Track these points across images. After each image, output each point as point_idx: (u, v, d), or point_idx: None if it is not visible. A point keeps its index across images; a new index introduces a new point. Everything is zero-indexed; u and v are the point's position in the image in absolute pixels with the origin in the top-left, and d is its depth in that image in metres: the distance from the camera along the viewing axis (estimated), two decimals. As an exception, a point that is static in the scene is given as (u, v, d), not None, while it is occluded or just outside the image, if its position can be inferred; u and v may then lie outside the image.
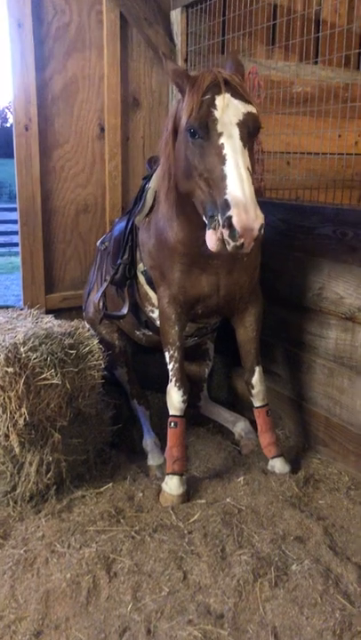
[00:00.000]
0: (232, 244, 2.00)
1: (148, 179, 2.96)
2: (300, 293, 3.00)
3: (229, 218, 1.98)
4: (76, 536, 2.35)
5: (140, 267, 2.92)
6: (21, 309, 3.03)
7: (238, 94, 2.13)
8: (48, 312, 3.55)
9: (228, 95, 2.10)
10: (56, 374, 2.43)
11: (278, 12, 3.94)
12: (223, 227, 2.01)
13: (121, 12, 3.58)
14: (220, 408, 3.43)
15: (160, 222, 2.68)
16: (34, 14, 3.35)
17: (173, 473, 2.64)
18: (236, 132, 2.07)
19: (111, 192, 3.82)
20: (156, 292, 2.85)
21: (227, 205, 2.00)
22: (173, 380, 2.73)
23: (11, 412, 2.37)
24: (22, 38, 3.35)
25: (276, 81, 3.96)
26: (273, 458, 2.84)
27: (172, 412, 2.73)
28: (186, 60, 3.70)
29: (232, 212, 1.98)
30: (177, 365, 2.74)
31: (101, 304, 3.10)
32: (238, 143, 2.07)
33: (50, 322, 2.72)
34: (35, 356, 2.40)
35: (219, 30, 3.71)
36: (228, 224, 1.98)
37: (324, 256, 2.83)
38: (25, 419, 2.38)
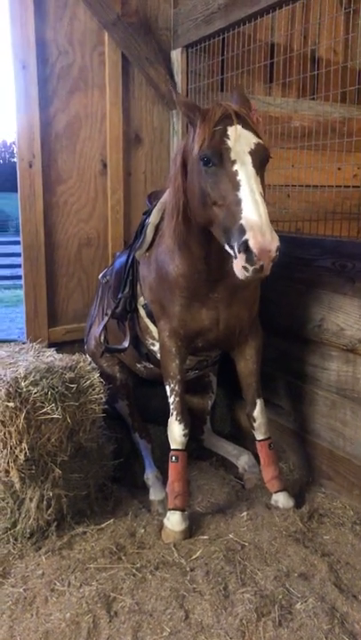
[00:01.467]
0: (251, 268, 2.02)
1: (148, 214, 3.01)
2: (301, 325, 3.00)
3: (245, 242, 1.99)
4: (76, 574, 2.31)
5: (141, 300, 2.94)
6: (24, 343, 3.05)
7: (248, 126, 2.19)
8: (51, 345, 3.57)
9: (239, 126, 2.16)
10: (57, 408, 2.43)
11: (276, 50, 4.05)
12: (240, 252, 2.02)
13: (122, 52, 3.68)
14: (224, 441, 3.40)
15: (161, 256, 2.71)
16: (38, 56, 3.45)
17: (175, 508, 2.61)
18: (248, 159, 2.12)
19: (113, 226, 3.87)
20: (156, 326, 2.86)
21: (242, 230, 2.02)
22: (174, 413, 2.72)
23: (11, 448, 2.36)
24: (26, 79, 3.44)
25: (275, 117, 4.04)
26: (276, 492, 2.80)
27: (173, 445, 2.71)
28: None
29: (248, 236, 1.99)
30: (178, 399, 2.73)
31: (103, 337, 3.11)
32: (251, 170, 2.11)
33: (51, 355, 2.73)
34: (35, 391, 2.40)
35: (218, 69, 3.82)
36: (245, 248, 2.00)
37: (324, 288, 2.84)
38: (25, 454, 2.37)
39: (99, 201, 3.84)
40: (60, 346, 3.69)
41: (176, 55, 3.77)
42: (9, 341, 3.23)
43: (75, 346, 3.72)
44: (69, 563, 2.38)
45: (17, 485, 2.42)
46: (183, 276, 2.60)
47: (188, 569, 2.36)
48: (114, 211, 3.85)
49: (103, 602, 2.16)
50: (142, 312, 2.95)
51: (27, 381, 2.41)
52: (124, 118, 3.80)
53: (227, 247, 2.16)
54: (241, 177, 2.10)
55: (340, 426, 2.84)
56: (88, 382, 2.61)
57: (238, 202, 2.07)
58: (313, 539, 2.58)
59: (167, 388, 2.76)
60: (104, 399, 2.66)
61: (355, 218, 4.34)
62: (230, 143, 2.14)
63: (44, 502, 2.49)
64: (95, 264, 3.88)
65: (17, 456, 2.35)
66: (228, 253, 2.16)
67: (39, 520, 2.49)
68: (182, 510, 2.61)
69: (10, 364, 2.59)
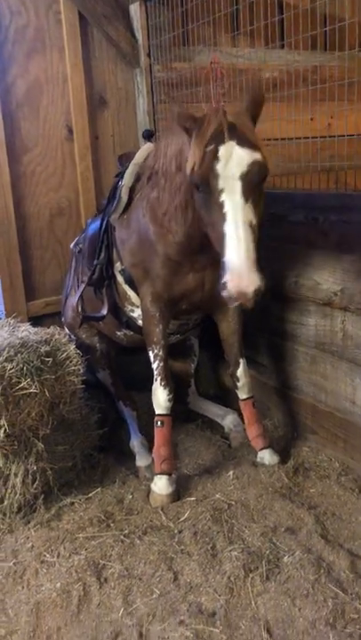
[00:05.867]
0: (231, 302, 2.03)
1: (120, 176, 2.92)
2: (278, 282, 2.96)
3: (225, 282, 1.98)
4: (65, 544, 2.34)
5: (118, 266, 2.89)
6: (-1, 319, 3.01)
7: (245, 141, 2.03)
8: (31, 319, 3.53)
9: (231, 143, 2.02)
10: (33, 383, 2.41)
11: (239, -3, 3.89)
12: (221, 287, 2.00)
13: (79, 10, 3.52)
14: (209, 403, 3.41)
15: (146, 218, 2.63)
16: (-10, 19, 3.30)
17: (162, 473, 2.63)
18: (238, 186, 2.02)
19: (85, 193, 3.77)
20: (135, 292, 2.82)
21: (225, 267, 2.00)
22: (159, 378, 2.71)
23: (-10, 425, 2.35)
24: (-21, 44, 3.30)
25: (243, 69, 3.91)
26: (261, 449, 2.83)
27: (158, 410, 2.71)
28: (149, 55, 3.66)
29: (227, 278, 1.97)
30: (162, 364, 2.71)
31: (80, 307, 3.06)
32: (239, 200, 2.02)
33: (26, 330, 2.70)
34: (10, 367, 2.37)
35: (180, 21, 3.66)
36: (224, 287, 1.98)
37: (298, 243, 2.80)
38: (5, 430, 2.36)
39: (67, 168, 3.74)
40: (40, 319, 3.66)
41: (135, 9, 3.61)
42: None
43: (56, 318, 3.68)
44: (58, 534, 2.40)
45: (0, 462, 2.41)
46: (180, 244, 2.54)
47: (175, 531, 2.39)
48: (83, 177, 3.75)
49: (93, 570, 2.18)
50: (120, 278, 2.90)
51: (1, 358, 2.39)
52: (86, 80, 3.66)
53: None
54: (227, 209, 2.03)
55: (322, 380, 2.84)
56: (64, 355, 2.59)
57: (223, 236, 2.03)
58: (299, 493, 2.61)
59: (150, 354, 2.74)
60: (82, 370, 2.64)
61: (332, 168, 4.26)
62: (220, 168, 2.02)
63: (30, 477, 2.50)
64: (69, 234, 3.80)
65: (-3, 433, 2.35)
66: None
67: (26, 494, 2.50)
68: (169, 474, 2.63)
69: (-17, 341, 2.56)
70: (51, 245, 3.80)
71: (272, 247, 2.95)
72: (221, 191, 2.04)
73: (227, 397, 3.49)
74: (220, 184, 2.03)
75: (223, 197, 2.04)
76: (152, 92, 3.71)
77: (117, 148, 3.87)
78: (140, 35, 3.63)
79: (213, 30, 3.75)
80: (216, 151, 2.03)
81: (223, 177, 2.02)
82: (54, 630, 1.97)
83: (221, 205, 2.04)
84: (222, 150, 2.02)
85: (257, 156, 2.04)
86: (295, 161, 3.90)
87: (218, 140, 2.04)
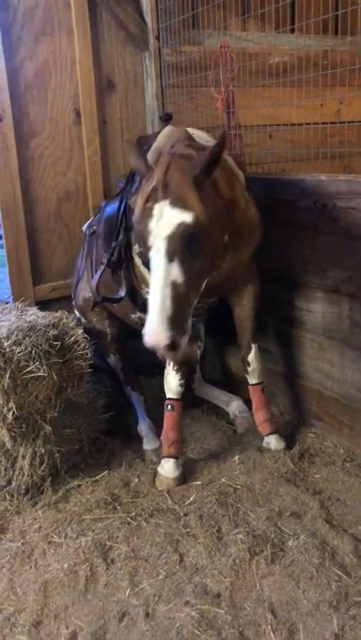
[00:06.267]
0: None
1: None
2: (286, 268, 2.97)
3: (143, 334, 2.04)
4: (72, 526, 2.37)
5: (136, 248, 2.88)
6: (6, 303, 3.01)
7: (178, 201, 2.03)
8: (37, 303, 3.54)
9: (163, 203, 2.04)
10: (42, 366, 2.42)
11: (250, -20, 3.85)
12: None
13: (88, -9, 3.49)
14: (214, 389, 3.42)
15: None
16: (-1, 0, 3.27)
17: (169, 456, 2.65)
18: (163, 245, 2.04)
19: (92, 177, 3.76)
20: None
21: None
22: (171, 363, 2.71)
23: (-1, 407, 2.37)
24: (-12, 26, 3.28)
25: (253, 53, 3.87)
26: (268, 435, 2.84)
27: (169, 395, 2.72)
28: (158, 38, 3.63)
29: (144, 331, 2.03)
30: None
31: (96, 288, 3.05)
32: (163, 259, 2.04)
33: (34, 314, 2.71)
34: (19, 350, 2.39)
35: (189, 4, 3.63)
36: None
37: (307, 229, 2.79)
38: (14, 413, 2.38)
39: (75, 152, 3.72)
40: (47, 304, 3.66)
41: (144, -9, 3.58)
42: (-9, 302, 3.19)
43: (62, 303, 3.68)
44: (65, 515, 2.43)
45: (8, 444, 2.44)
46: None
47: (181, 514, 2.41)
48: (91, 161, 3.74)
49: (100, 551, 2.21)
50: (138, 260, 2.90)
51: (9, 341, 2.40)
52: (95, 63, 3.63)
53: None
54: (153, 265, 2.07)
55: (328, 367, 2.85)
56: (72, 339, 2.60)
57: (149, 290, 2.10)
58: (304, 478, 2.63)
59: None
60: (89, 354, 2.65)
61: (341, 155, 4.23)
62: (152, 225, 2.07)
63: (37, 459, 2.52)
64: (76, 218, 3.80)
65: (5, 415, 2.37)
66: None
67: (33, 476, 2.52)
68: (176, 458, 2.66)
69: (-8, 324, 2.57)
70: (58, 229, 3.80)
71: (281, 233, 2.95)
72: (150, 247, 2.08)
73: (232, 384, 3.51)
74: (151, 241, 2.08)
75: (151, 254, 2.09)
76: (161, 75, 3.68)
77: (125, 132, 3.85)
78: (149, 17, 3.60)
79: (223, 13, 3.72)
80: (152, 208, 2.07)
81: (153, 235, 2.07)
82: (62, 609, 2.00)
83: (149, 260, 2.10)
84: (156, 209, 2.06)
85: (186, 217, 2.03)
86: (304, 147, 3.88)
87: (155, 197, 2.07)
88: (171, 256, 2.04)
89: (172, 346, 2.02)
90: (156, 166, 2.14)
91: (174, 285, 2.04)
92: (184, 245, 2.05)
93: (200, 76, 3.52)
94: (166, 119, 3.04)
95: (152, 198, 2.07)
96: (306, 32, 4.07)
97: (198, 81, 3.57)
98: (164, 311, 2.01)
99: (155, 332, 2.00)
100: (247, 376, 2.90)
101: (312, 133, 3.88)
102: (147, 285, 2.89)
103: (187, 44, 3.69)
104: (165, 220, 2.04)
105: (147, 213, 2.07)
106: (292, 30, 4.09)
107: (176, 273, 2.05)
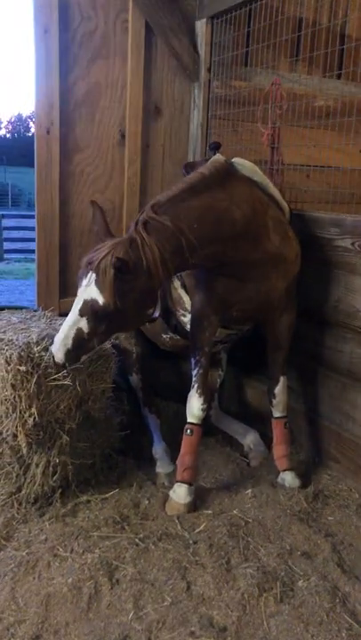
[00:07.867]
0: None
1: None
2: (317, 306, 2.96)
3: None
4: (79, 541, 2.32)
5: None
6: (35, 311, 3.03)
7: (98, 282, 2.25)
8: (61, 316, 3.53)
9: (91, 276, 2.26)
10: (68, 376, 2.42)
11: (303, 24, 3.95)
12: None
13: (146, 21, 3.60)
14: (231, 419, 3.39)
15: None
16: (60, 20, 3.38)
17: (183, 481, 2.61)
18: (79, 303, 2.30)
19: (129, 198, 3.81)
20: (190, 296, 2.83)
21: None
22: (196, 386, 2.68)
23: (20, 412, 2.36)
24: (48, 43, 3.36)
25: (299, 94, 3.95)
26: (284, 471, 2.80)
27: (190, 419, 2.69)
28: (209, 70, 3.72)
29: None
30: (201, 372, 2.69)
31: None
32: (76, 311, 2.31)
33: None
34: (47, 356, 2.38)
35: (243, 41, 3.73)
36: None
37: (342, 268, 2.79)
38: (34, 419, 2.37)
39: (115, 172, 3.78)
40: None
41: (201, 26, 3.68)
42: (20, 308, 3.21)
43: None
44: (73, 530, 2.39)
45: (24, 450, 2.42)
46: None
47: (190, 542, 2.36)
48: (130, 183, 3.79)
49: (105, 569, 2.16)
50: (176, 282, 2.91)
51: (39, 347, 2.41)
52: (144, 89, 3.72)
53: None
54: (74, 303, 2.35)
55: (350, 409, 2.81)
56: (99, 352, 2.59)
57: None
58: (317, 519, 2.57)
59: (192, 360, 2.71)
60: (115, 370, 2.65)
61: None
62: (82, 284, 2.32)
63: (50, 468, 2.49)
64: (109, 237, 3.83)
65: (26, 420, 2.35)
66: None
67: (44, 486, 2.49)
68: (189, 484, 2.62)
69: (22, 329, 2.58)
70: (90, 246, 3.82)
71: (315, 270, 2.96)
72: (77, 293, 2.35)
73: (248, 416, 3.47)
74: (78, 291, 2.34)
75: (76, 298, 2.34)
76: (208, 106, 3.76)
77: (166, 157, 3.92)
78: (202, 50, 3.69)
79: (274, 53, 3.80)
80: (87, 272, 2.30)
81: (79, 290, 2.33)
82: (62, 625, 1.94)
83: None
84: (88, 275, 2.29)
85: (99, 298, 2.25)
86: (340, 189, 3.92)
87: (94, 263, 2.28)
88: (81, 313, 2.30)
89: (62, 366, 2.37)
90: (98, 252, 2.31)
91: (79, 330, 2.31)
92: (93, 313, 2.29)
93: (246, 111, 3.60)
94: (214, 147, 3.09)
95: (92, 263, 2.27)
96: (352, 79, 4.16)
97: (243, 115, 3.65)
98: (64, 343, 2.31)
99: (55, 350, 2.33)
100: (272, 408, 2.86)
101: (349, 177, 3.93)
102: (181, 308, 2.91)
103: (237, 79, 3.77)
104: (87, 291, 2.28)
105: (82, 274, 2.32)
106: (339, 76, 4.18)
107: (83, 324, 2.31)
